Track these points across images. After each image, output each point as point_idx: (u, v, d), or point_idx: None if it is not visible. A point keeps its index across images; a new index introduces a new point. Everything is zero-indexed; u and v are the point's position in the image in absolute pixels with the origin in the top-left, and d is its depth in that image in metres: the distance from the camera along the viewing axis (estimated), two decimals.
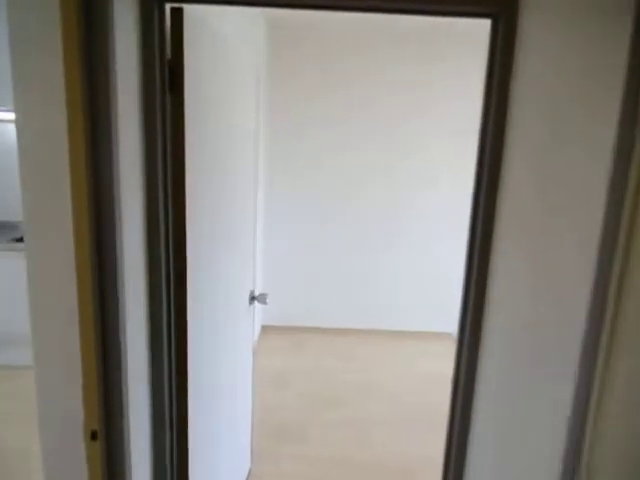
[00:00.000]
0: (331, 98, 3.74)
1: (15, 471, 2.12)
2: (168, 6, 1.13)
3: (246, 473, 2.15)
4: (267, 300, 2.05)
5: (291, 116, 3.78)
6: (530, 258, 1.25)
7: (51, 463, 1.08)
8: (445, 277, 3.99)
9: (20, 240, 3.06)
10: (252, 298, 2.05)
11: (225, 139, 1.55)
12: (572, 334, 1.28)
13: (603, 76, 1.16)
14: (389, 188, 3.89)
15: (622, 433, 1.22)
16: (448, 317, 4.01)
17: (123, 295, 1.04)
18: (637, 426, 1.18)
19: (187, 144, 1.21)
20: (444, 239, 3.95)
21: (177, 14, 1.13)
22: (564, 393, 1.31)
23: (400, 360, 3.58)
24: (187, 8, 1.16)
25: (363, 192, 3.89)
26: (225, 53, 1.46)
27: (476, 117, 1.48)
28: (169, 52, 1.14)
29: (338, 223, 3.95)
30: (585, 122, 1.18)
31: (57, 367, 1.03)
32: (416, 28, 3.60)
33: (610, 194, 1.20)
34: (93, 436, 1.04)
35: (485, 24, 1.19)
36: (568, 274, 1.25)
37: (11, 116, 3.12)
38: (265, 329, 4.02)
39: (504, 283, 1.27)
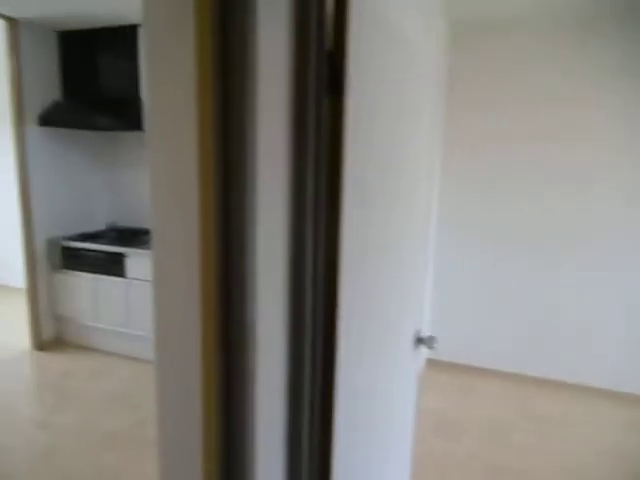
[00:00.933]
0: (521, 113, 3.19)
1: None
2: None
3: None
4: (435, 345, 1.70)
5: (469, 132, 3.35)
6: None
7: None
8: None
9: None
10: (418, 340, 1.72)
11: (395, 156, 1.27)
12: None
13: None
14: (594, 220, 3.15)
15: None
16: None
17: (254, 318, 0.83)
18: None
19: (346, 158, 0.96)
20: None
21: None
22: None
23: (612, 430, 2.81)
24: None
25: (556, 222, 3.23)
26: (400, 47, 1.19)
27: None
28: (328, 43, 0.91)
29: (531, 251, 3.35)
30: None
31: (177, 427, 0.86)
32: None
33: None
34: None
35: None
36: None
37: None
38: (430, 363, 3.61)
39: None
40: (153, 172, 0.78)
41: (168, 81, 0.73)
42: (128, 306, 3.56)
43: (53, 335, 3.84)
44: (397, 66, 1.18)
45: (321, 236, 0.97)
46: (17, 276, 4.84)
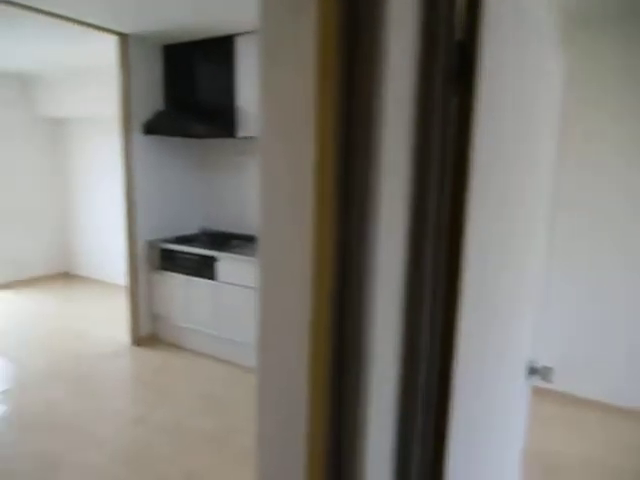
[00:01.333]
0: None
1: None
2: None
3: None
4: (552, 376, 1.50)
5: (586, 137, 3.01)
6: None
7: None
8: None
9: None
10: (531, 371, 1.52)
11: (521, 170, 1.11)
12: None
13: None
14: None
15: None
16: None
17: (368, 341, 0.73)
18: None
19: (472, 165, 0.83)
20: None
21: None
22: None
23: None
24: None
25: None
26: (532, 39, 1.03)
27: None
28: (458, 33, 0.79)
29: None
30: None
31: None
32: None
33: None
34: None
35: None
36: None
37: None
38: (534, 392, 3.29)
39: None
40: (264, 179, 0.71)
41: (285, 84, 0.66)
42: (217, 309, 3.65)
43: (149, 332, 4.04)
44: (532, 61, 1.02)
45: (442, 249, 0.85)
46: (120, 275, 5.20)
